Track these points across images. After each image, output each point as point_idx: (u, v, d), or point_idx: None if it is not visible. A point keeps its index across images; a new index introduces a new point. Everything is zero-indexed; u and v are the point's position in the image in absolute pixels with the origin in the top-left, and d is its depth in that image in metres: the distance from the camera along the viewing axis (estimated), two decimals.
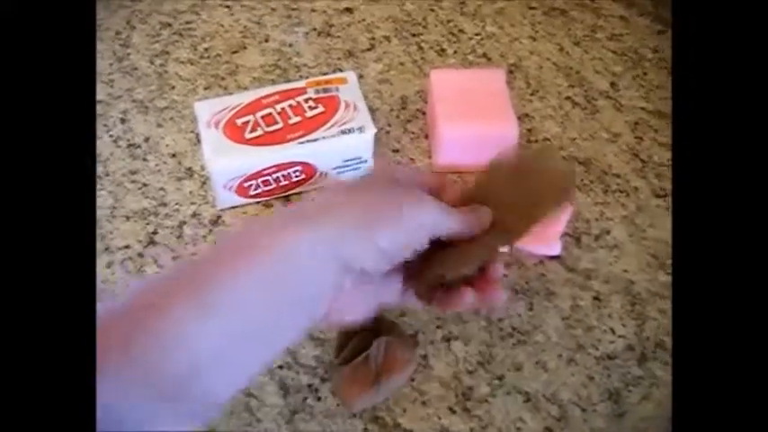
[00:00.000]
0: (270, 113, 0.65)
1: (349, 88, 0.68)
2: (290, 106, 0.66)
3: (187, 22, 0.85)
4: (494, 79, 0.71)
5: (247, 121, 0.65)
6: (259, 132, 0.64)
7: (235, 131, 0.64)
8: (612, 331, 0.62)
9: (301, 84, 0.68)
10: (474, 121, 0.67)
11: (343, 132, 0.65)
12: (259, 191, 0.66)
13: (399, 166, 0.48)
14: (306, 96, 0.67)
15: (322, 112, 0.66)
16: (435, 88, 0.70)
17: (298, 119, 0.65)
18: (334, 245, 0.40)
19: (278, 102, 0.66)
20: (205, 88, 0.78)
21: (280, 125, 0.65)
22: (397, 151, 0.73)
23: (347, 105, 0.66)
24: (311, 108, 0.66)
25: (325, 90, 0.67)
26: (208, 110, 0.66)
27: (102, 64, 0.81)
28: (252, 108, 0.66)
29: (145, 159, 0.72)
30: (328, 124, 0.65)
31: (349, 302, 0.45)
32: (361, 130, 0.65)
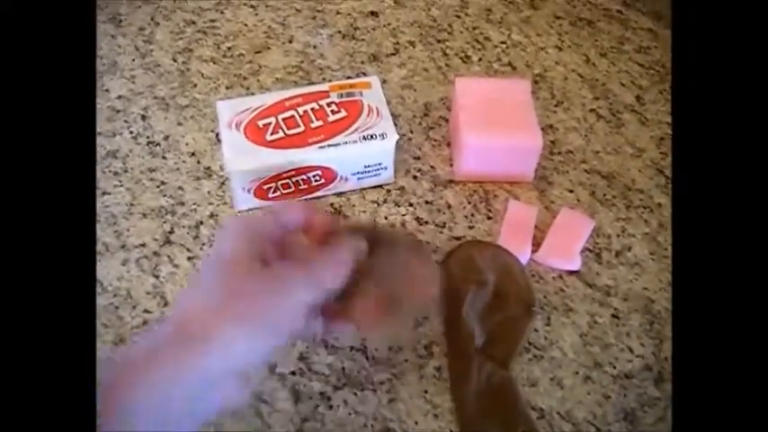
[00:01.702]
0: (292, 116, 0.65)
1: (373, 93, 0.67)
2: (313, 109, 0.65)
3: (211, 21, 0.85)
4: (519, 90, 0.70)
5: (269, 123, 0.64)
6: (280, 135, 0.64)
7: (256, 133, 0.64)
8: (630, 350, 0.61)
9: (325, 87, 0.67)
10: (498, 132, 0.67)
11: (365, 138, 0.64)
12: (278, 194, 0.66)
13: (253, 221, 0.48)
14: (329, 100, 0.66)
15: (344, 117, 0.65)
16: (460, 96, 0.69)
17: (320, 123, 0.65)
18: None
19: (300, 104, 0.66)
20: (227, 87, 0.78)
21: (301, 128, 0.64)
22: (418, 158, 0.72)
23: (370, 111, 0.66)
24: (334, 112, 0.65)
25: (349, 94, 0.67)
26: (229, 110, 0.66)
27: (125, 59, 0.81)
28: (274, 110, 0.65)
29: (164, 157, 0.72)
30: (350, 129, 0.64)
31: None
32: (383, 136, 0.64)
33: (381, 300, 0.49)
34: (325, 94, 0.67)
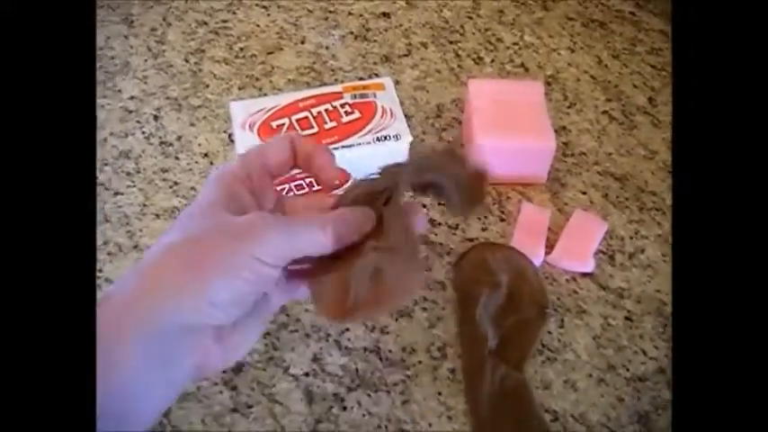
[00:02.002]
0: (305, 117, 0.65)
1: (386, 95, 0.67)
2: (326, 110, 0.65)
3: (223, 21, 0.85)
4: (532, 91, 0.70)
5: (282, 124, 0.64)
6: None
7: (269, 134, 0.64)
8: (644, 352, 0.61)
9: (338, 88, 0.67)
10: (511, 133, 0.67)
11: (379, 140, 0.64)
12: (291, 194, 0.66)
13: (243, 160, 0.43)
14: (342, 101, 0.66)
15: (358, 118, 0.65)
16: (473, 98, 0.69)
17: (333, 124, 0.65)
18: (157, 333, 0.36)
19: (314, 105, 0.66)
20: (239, 88, 0.78)
21: (315, 129, 0.64)
22: None
23: (384, 112, 0.66)
24: (347, 113, 0.65)
25: (362, 95, 0.67)
26: (243, 110, 0.66)
27: (137, 60, 0.81)
28: (288, 111, 0.65)
29: (177, 158, 0.72)
30: (364, 131, 0.64)
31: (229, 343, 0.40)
32: (396, 137, 0.64)
33: (366, 293, 0.41)
34: (339, 95, 0.67)
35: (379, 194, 0.43)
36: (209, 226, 0.38)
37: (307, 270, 0.43)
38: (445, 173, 0.45)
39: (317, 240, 0.39)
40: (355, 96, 0.67)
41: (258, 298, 0.40)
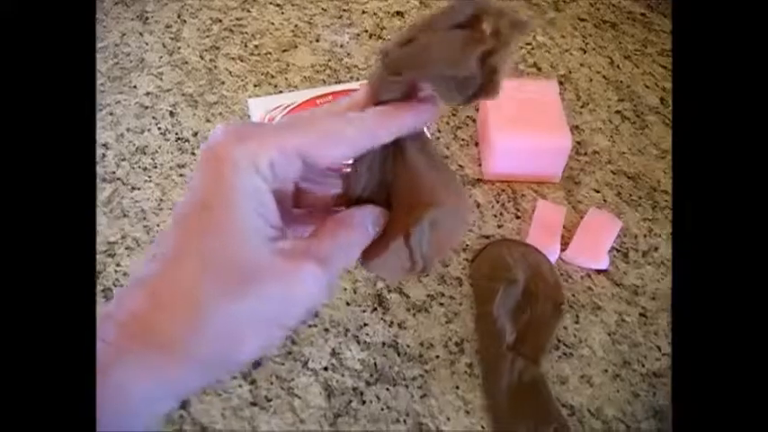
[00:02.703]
0: None
1: None
2: None
3: (237, 19, 0.85)
4: (547, 90, 0.71)
5: None
6: None
7: None
8: (658, 348, 0.61)
9: (355, 85, 0.68)
10: (527, 132, 0.67)
11: None
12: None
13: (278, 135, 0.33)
14: None
15: None
16: None
17: None
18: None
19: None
20: (255, 85, 0.78)
21: None
22: (446, 158, 0.73)
23: None
24: None
25: None
26: (261, 107, 0.66)
27: (152, 56, 0.81)
28: (305, 107, 0.66)
29: (193, 153, 0.72)
30: None
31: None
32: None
33: (409, 261, 0.37)
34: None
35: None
36: (240, 272, 0.31)
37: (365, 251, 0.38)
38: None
39: (354, 255, 0.36)
40: None
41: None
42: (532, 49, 0.84)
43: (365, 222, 0.35)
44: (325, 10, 0.86)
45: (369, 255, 0.37)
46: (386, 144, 0.35)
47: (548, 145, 0.67)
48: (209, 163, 0.31)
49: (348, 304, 0.62)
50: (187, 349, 0.31)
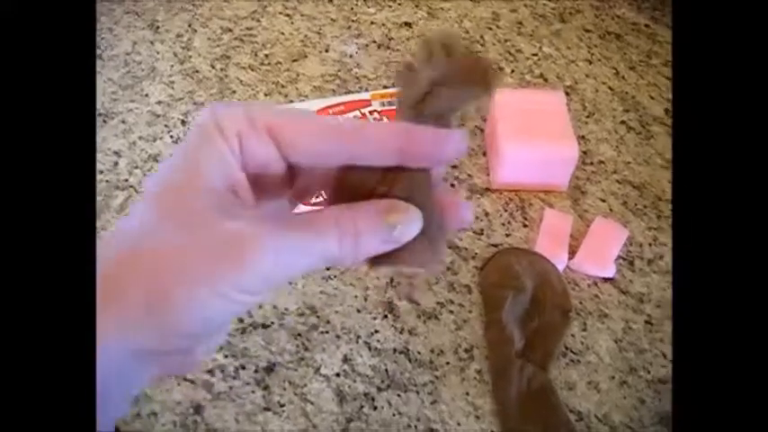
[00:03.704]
0: None
1: None
2: (355, 117, 0.67)
3: (248, 29, 0.86)
4: (555, 101, 0.72)
5: None
6: None
7: None
8: (664, 356, 0.62)
9: (366, 96, 0.69)
10: (535, 142, 0.68)
11: None
12: (320, 199, 0.67)
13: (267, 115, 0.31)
14: (371, 108, 0.68)
15: None
16: (497, 107, 0.71)
17: None
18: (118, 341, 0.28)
19: (343, 112, 0.67)
20: (266, 95, 0.79)
21: None
22: (455, 167, 0.74)
23: None
24: (376, 120, 0.67)
25: (391, 103, 0.68)
26: None
27: (164, 65, 0.83)
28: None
29: None
30: None
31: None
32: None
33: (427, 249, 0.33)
34: (368, 102, 0.68)
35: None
36: (182, 233, 0.28)
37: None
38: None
39: (329, 252, 0.30)
40: (384, 104, 0.68)
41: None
42: (539, 60, 0.85)
43: (335, 222, 0.31)
44: (335, 20, 0.87)
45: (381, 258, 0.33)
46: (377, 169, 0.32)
47: (555, 155, 0.69)
48: (190, 134, 0.31)
49: (359, 311, 0.63)
50: (111, 295, 0.28)
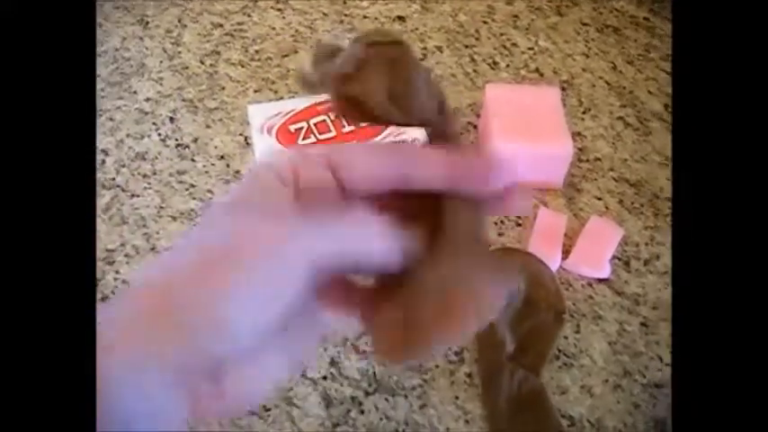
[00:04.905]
0: (323, 121, 0.65)
1: None
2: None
3: (238, 24, 0.85)
4: (549, 97, 0.70)
5: (300, 128, 0.65)
6: (312, 140, 0.64)
7: (287, 138, 0.64)
8: (660, 359, 0.61)
9: None
10: (528, 139, 0.67)
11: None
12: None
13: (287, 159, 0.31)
14: None
15: None
16: (490, 103, 0.69)
17: (351, 128, 0.65)
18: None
19: (331, 109, 0.66)
20: (255, 91, 0.78)
21: (333, 133, 0.64)
22: None
23: None
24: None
25: None
26: (261, 114, 0.66)
27: (153, 61, 0.81)
28: (306, 114, 0.66)
29: (193, 160, 0.72)
30: (382, 135, 0.64)
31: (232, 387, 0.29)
32: (414, 142, 0.64)
33: (410, 324, 0.30)
34: None
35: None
36: (228, 228, 0.29)
37: (356, 304, 0.33)
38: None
39: (374, 250, 0.30)
40: None
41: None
42: (535, 54, 0.83)
43: (385, 226, 0.31)
44: (326, 15, 0.86)
45: (370, 310, 0.32)
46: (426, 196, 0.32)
47: (548, 153, 0.67)
48: (240, 184, 0.31)
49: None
50: (166, 299, 0.28)
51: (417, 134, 0.65)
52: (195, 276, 0.28)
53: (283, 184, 0.30)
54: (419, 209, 0.32)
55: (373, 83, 0.33)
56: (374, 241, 0.30)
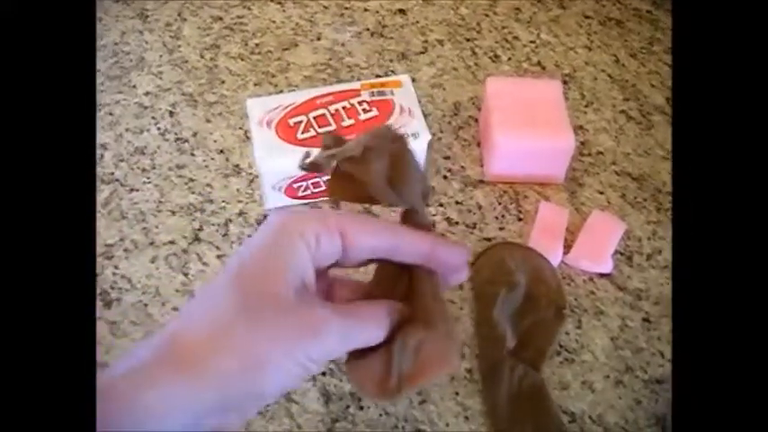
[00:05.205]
0: (323, 114, 0.65)
1: (404, 92, 0.67)
2: (344, 108, 0.65)
3: (238, 17, 0.84)
4: (550, 90, 0.70)
5: (300, 122, 0.64)
6: (311, 133, 0.63)
7: (287, 131, 0.64)
8: (662, 355, 0.60)
9: (356, 85, 0.67)
10: (530, 132, 0.66)
11: None
12: (308, 192, 0.65)
13: (322, 222, 0.37)
14: (360, 98, 0.66)
15: (376, 116, 0.65)
16: (491, 96, 0.69)
17: (351, 121, 0.64)
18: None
19: (332, 103, 0.66)
20: (255, 84, 0.77)
21: (332, 127, 0.64)
22: (448, 158, 0.72)
23: (402, 110, 0.65)
24: (365, 111, 0.65)
25: (380, 93, 0.66)
26: (260, 108, 0.65)
27: (152, 55, 0.81)
28: (305, 108, 0.65)
29: (192, 154, 0.72)
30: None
31: None
32: (415, 136, 0.64)
33: (409, 368, 0.38)
34: (357, 92, 0.66)
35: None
36: (268, 301, 0.34)
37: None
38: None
39: (373, 337, 0.37)
40: (373, 94, 0.66)
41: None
42: (537, 47, 0.82)
43: (385, 313, 0.38)
44: (327, 8, 0.85)
45: (353, 353, 0.39)
46: (404, 266, 0.40)
47: (550, 146, 0.66)
48: (268, 230, 0.37)
49: None
50: (206, 364, 0.33)
51: (418, 126, 0.64)
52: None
53: (307, 250, 0.36)
54: (394, 282, 0.40)
55: (375, 166, 0.39)
56: (381, 329, 0.37)
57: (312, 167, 0.41)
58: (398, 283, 0.40)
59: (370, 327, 0.37)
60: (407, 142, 0.42)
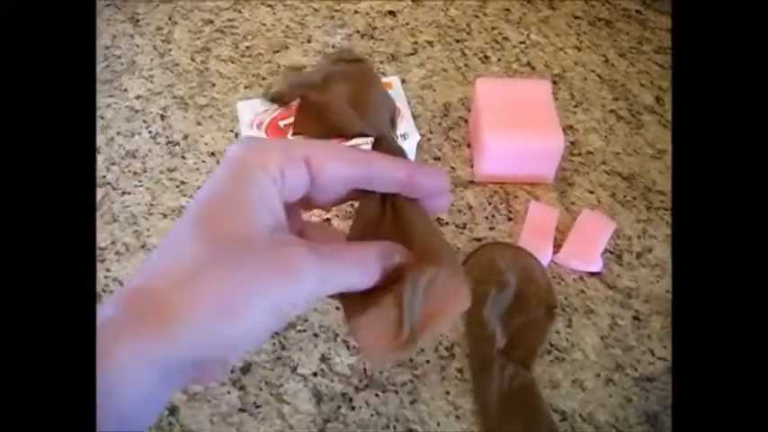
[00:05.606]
0: None
1: (393, 93, 0.67)
2: None
3: (229, 20, 0.85)
4: (540, 90, 0.70)
5: (290, 124, 0.64)
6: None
7: (277, 133, 0.64)
8: (652, 353, 0.60)
9: None
10: (519, 133, 0.66)
11: None
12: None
13: (282, 150, 0.35)
14: None
15: None
16: (480, 97, 0.69)
17: None
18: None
19: None
20: (246, 87, 0.78)
21: None
22: (438, 159, 0.72)
23: None
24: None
25: None
26: (250, 110, 0.66)
27: (143, 59, 0.81)
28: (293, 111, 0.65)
29: (183, 157, 0.72)
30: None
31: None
32: (404, 137, 0.64)
33: (396, 325, 0.34)
34: None
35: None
36: (236, 242, 0.32)
37: (344, 303, 0.37)
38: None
39: (357, 282, 0.34)
40: None
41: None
42: (526, 47, 0.83)
43: (374, 257, 0.35)
44: (317, 10, 0.86)
45: (355, 310, 0.35)
46: (382, 199, 0.37)
47: (540, 146, 0.67)
48: (227, 166, 0.34)
49: (337, 309, 0.61)
50: (179, 312, 0.30)
51: (408, 127, 0.65)
52: (181, 282, 0.31)
53: (273, 184, 0.34)
54: (377, 221, 0.37)
55: (337, 92, 0.38)
56: (367, 274, 0.34)
57: (276, 98, 0.39)
58: (383, 221, 0.37)
59: (352, 269, 0.34)
60: (369, 63, 0.40)
